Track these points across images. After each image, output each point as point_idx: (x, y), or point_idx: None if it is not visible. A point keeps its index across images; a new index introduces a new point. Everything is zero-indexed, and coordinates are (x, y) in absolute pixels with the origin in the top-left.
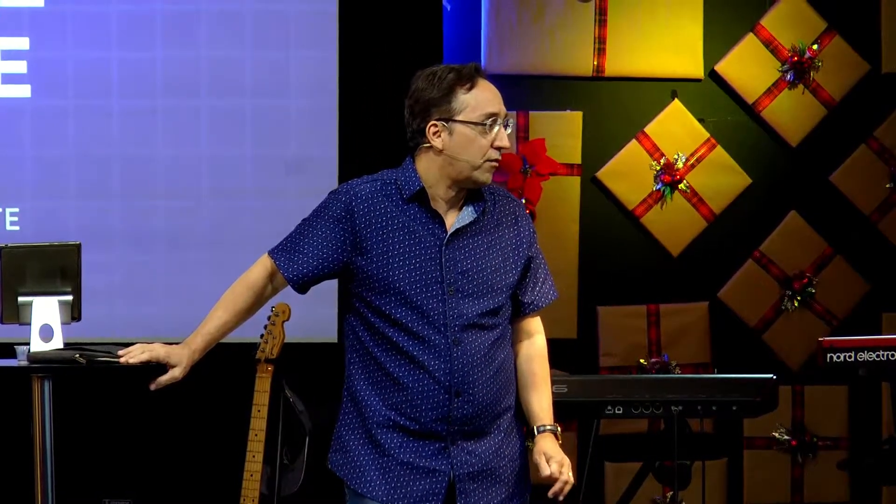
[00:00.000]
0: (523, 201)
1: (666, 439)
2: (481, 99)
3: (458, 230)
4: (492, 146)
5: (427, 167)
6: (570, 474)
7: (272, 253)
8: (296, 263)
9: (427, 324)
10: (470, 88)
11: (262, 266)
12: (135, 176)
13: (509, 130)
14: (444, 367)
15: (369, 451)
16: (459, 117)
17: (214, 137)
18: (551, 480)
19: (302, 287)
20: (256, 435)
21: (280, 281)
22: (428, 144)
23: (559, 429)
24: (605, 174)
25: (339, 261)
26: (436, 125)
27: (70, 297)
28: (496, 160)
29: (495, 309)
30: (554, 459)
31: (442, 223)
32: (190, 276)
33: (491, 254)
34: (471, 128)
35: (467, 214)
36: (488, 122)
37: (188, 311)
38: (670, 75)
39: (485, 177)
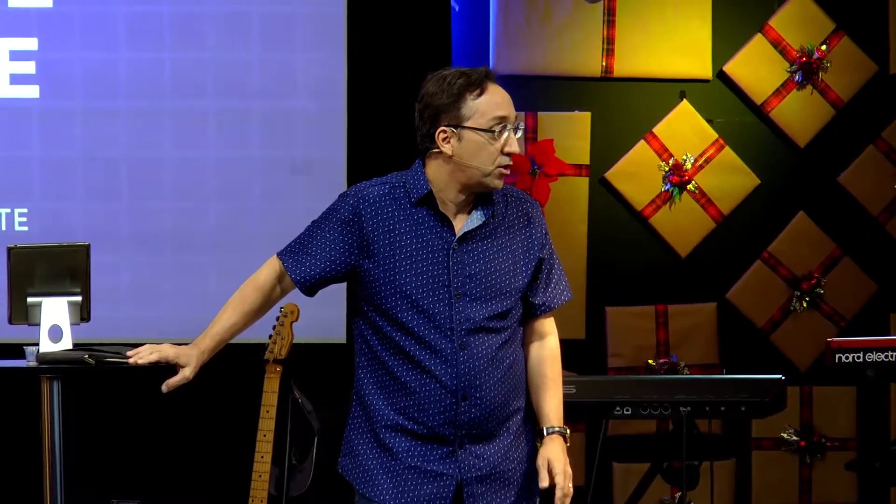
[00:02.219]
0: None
1: (674, 440)
2: (490, 104)
3: (467, 233)
4: (502, 152)
5: (437, 171)
6: (570, 486)
7: (280, 254)
8: (303, 265)
9: (433, 328)
10: (479, 94)
11: (270, 267)
12: (142, 177)
13: (519, 134)
14: (450, 372)
15: (377, 454)
16: (468, 123)
17: (222, 139)
18: (550, 488)
19: (309, 290)
20: (265, 435)
21: (288, 283)
22: (438, 150)
23: (568, 431)
24: (614, 175)
25: (347, 263)
26: (445, 131)
27: (79, 298)
28: (507, 166)
29: (504, 312)
30: (556, 470)
31: (451, 227)
32: (197, 277)
33: (500, 257)
34: (480, 134)
35: (476, 218)
36: (497, 128)
37: (195, 311)
38: (679, 76)
39: (496, 182)
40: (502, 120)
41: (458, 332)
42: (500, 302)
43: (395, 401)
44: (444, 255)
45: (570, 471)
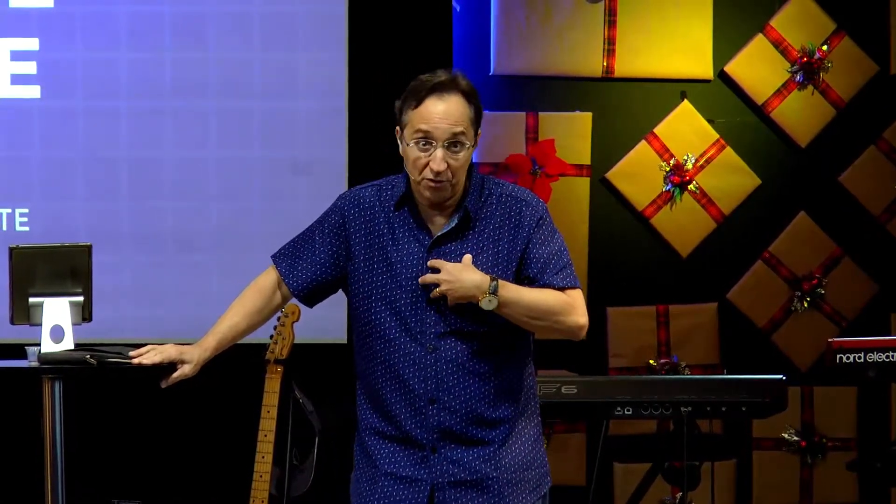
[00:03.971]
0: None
1: (675, 440)
2: (419, 118)
3: (444, 236)
4: (427, 165)
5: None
6: (446, 288)
7: (275, 258)
8: (296, 270)
9: (405, 331)
10: (416, 106)
11: (271, 271)
12: (143, 177)
13: (464, 150)
14: (418, 375)
15: (365, 464)
16: (404, 132)
17: (223, 139)
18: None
19: (306, 298)
20: (266, 436)
21: (287, 289)
22: None
23: (498, 288)
24: (615, 175)
25: (336, 267)
26: (397, 132)
27: (81, 298)
28: (432, 181)
29: (478, 317)
30: (445, 267)
31: (428, 230)
32: (198, 277)
33: (478, 260)
34: (405, 144)
35: (452, 221)
36: (413, 141)
37: (197, 312)
38: (680, 76)
39: (426, 194)
40: (420, 132)
41: (428, 335)
42: (474, 306)
43: (376, 405)
44: (419, 258)
45: (453, 279)
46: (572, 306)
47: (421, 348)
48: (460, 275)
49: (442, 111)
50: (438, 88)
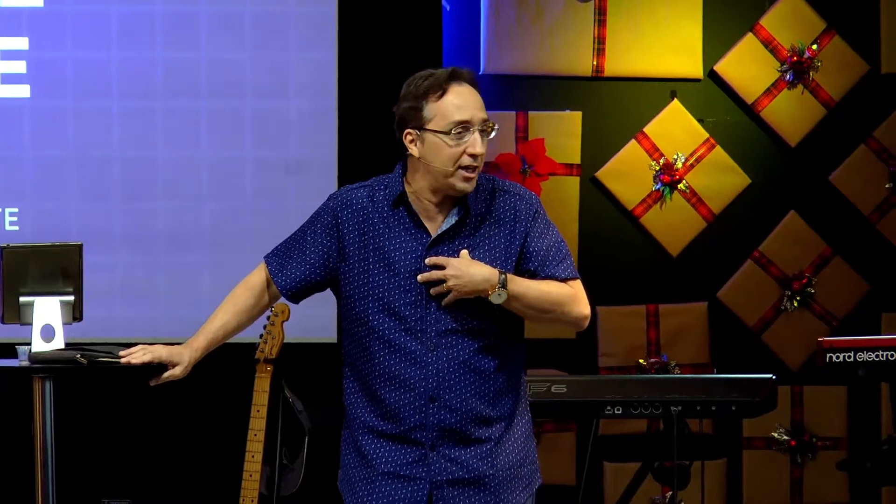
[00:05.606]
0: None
1: (665, 439)
2: (450, 107)
3: (442, 234)
4: (465, 153)
5: (412, 173)
6: (453, 283)
7: (267, 258)
8: (286, 269)
9: (404, 330)
10: (441, 96)
11: (260, 271)
12: (135, 177)
13: (492, 135)
14: (419, 374)
15: (358, 463)
16: (430, 126)
17: (214, 139)
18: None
19: (293, 296)
20: (256, 435)
21: (276, 287)
22: (409, 152)
23: (507, 281)
24: (605, 174)
25: (327, 267)
26: (410, 133)
27: (71, 298)
28: (469, 167)
29: (477, 313)
30: (450, 262)
31: (426, 229)
32: (190, 277)
33: (475, 255)
34: (440, 137)
35: (451, 218)
36: (456, 130)
37: (188, 311)
38: (670, 75)
39: (461, 185)
40: (461, 122)
41: (429, 333)
42: (474, 302)
43: (374, 404)
44: (418, 255)
45: (461, 274)
46: (576, 297)
47: (422, 346)
48: (468, 269)
49: (471, 96)
50: (455, 77)
